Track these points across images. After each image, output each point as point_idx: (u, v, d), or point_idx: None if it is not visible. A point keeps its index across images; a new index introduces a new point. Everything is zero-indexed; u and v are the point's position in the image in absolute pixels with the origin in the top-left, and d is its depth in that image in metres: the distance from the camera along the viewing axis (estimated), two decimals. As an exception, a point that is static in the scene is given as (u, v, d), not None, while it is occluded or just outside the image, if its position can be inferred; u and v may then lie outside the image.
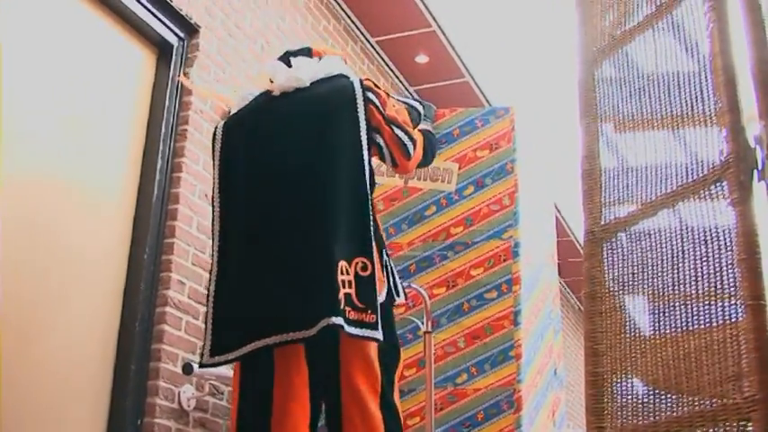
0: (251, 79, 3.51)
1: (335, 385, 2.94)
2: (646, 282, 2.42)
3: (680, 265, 2.33)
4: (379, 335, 2.87)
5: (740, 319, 2.11)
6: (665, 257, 2.39)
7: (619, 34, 2.77)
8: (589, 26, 2.90)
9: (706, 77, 2.42)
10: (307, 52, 3.35)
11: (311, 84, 3.18)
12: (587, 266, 2.55)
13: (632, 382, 2.38)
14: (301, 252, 2.91)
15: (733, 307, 2.16)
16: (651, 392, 2.32)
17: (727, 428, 2.08)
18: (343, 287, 2.84)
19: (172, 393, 3.89)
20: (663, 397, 2.28)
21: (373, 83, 3.25)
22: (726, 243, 2.20)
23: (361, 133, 3.07)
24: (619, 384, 2.41)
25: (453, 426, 3.93)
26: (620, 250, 2.53)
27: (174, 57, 4.35)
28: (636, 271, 2.47)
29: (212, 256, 3.07)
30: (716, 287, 2.21)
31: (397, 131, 3.14)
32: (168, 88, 4.27)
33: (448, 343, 4.07)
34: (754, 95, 2.21)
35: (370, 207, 3.05)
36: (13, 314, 3.36)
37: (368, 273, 2.91)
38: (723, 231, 2.22)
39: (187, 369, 3.89)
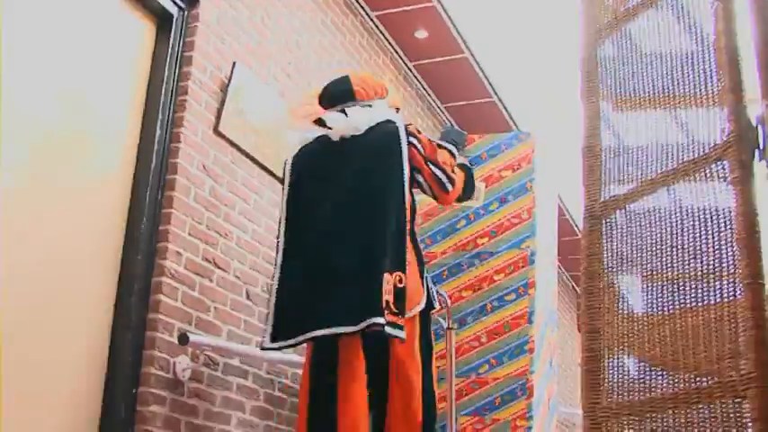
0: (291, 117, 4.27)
1: (385, 371, 3.61)
2: (644, 259, 2.43)
3: (679, 243, 2.33)
4: (403, 335, 3.49)
5: (738, 297, 2.12)
6: (664, 235, 2.40)
7: (622, 11, 2.76)
8: (592, 3, 2.89)
9: (709, 57, 2.42)
10: (349, 94, 3.91)
11: (364, 130, 3.82)
12: (586, 243, 2.56)
13: (629, 359, 2.39)
14: (356, 264, 3.56)
15: (731, 285, 2.17)
16: (647, 369, 2.34)
17: (723, 406, 2.09)
18: (386, 294, 3.45)
19: (167, 363, 3.89)
20: (659, 374, 2.30)
21: (416, 128, 3.88)
22: (725, 222, 2.20)
23: (404, 172, 3.70)
24: (615, 361, 2.42)
25: (476, 409, 4.65)
26: (619, 228, 2.54)
27: (173, 27, 4.32)
28: (634, 248, 2.48)
29: (275, 259, 3.77)
30: (714, 266, 2.22)
31: (435, 170, 3.78)
32: (168, 59, 4.25)
33: (473, 338, 4.78)
34: (757, 75, 2.21)
35: (407, 233, 3.68)
36: (9, 284, 3.36)
37: (402, 285, 3.53)
38: (723, 210, 2.23)
39: (183, 339, 3.90)
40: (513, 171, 4.95)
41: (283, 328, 3.59)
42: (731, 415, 2.06)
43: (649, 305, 2.39)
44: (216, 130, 4.37)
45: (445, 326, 4.50)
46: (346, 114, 3.85)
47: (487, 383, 4.67)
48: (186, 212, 4.12)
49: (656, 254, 2.39)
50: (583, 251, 2.56)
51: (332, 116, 3.87)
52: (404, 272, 3.56)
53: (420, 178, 3.79)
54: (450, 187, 3.82)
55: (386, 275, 3.49)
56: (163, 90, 4.20)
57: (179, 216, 4.07)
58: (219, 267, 4.27)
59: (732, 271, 2.14)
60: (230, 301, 4.32)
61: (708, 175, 2.27)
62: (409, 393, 3.60)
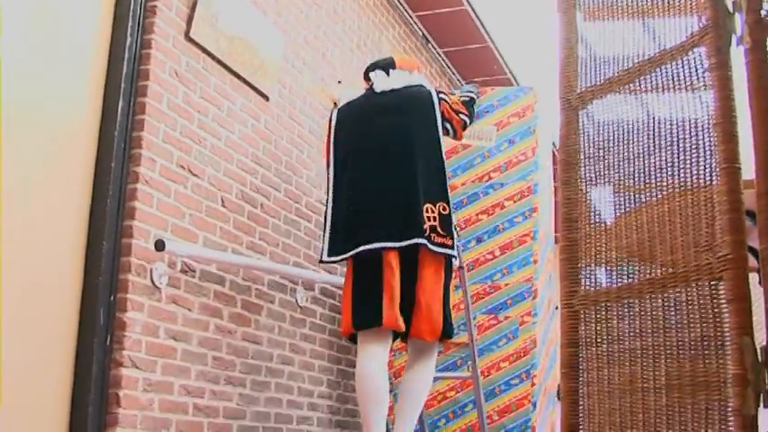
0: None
1: (413, 284, 4.24)
2: (621, 147, 2.44)
3: (655, 130, 2.35)
4: (453, 252, 4.28)
5: (715, 182, 2.14)
6: (640, 123, 2.41)
7: None
8: None
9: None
10: (391, 62, 4.78)
11: (401, 88, 4.62)
12: (563, 134, 2.57)
13: (606, 247, 2.42)
14: (399, 195, 4.29)
15: (707, 172, 2.19)
16: (625, 256, 2.36)
17: (700, 289, 2.13)
18: (429, 221, 4.22)
19: (144, 270, 3.89)
20: (637, 260, 2.33)
21: (443, 91, 4.80)
22: (702, 108, 2.21)
23: (438, 119, 4.50)
24: (593, 249, 2.44)
25: (491, 308, 5.76)
26: (595, 118, 2.55)
27: (141, -69, 4.24)
28: (611, 138, 2.48)
29: (327, 191, 4.49)
30: (691, 151, 2.23)
31: (462, 117, 4.63)
32: (136, -37, 4.17)
33: (488, 253, 5.88)
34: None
35: (446, 168, 4.44)
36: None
37: (447, 212, 4.31)
38: (699, 97, 2.23)
39: (159, 246, 3.90)
40: (519, 118, 6.02)
41: (336, 246, 4.34)
42: (707, 297, 2.09)
43: (627, 192, 2.40)
44: (187, 36, 4.31)
45: (456, 265, 5.13)
46: (388, 74, 4.69)
47: (500, 288, 5.79)
48: (159, 119, 4.08)
49: (634, 141, 2.40)
50: (560, 142, 2.56)
51: (376, 73, 4.72)
52: (447, 202, 4.33)
53: (448, 126, 4.59)
54: (468, 122, 4.70)
55: (427, 205, 4.25)
56: (132, -5, 4.12)
57: (152, 123, 4.04)
58: (194, 174, 4.26)
59: (708, 156, 2.16)
60: (205, 207, 4.32)
61: (686, 61, 2.27)
62: (431, 300, 4.23)
